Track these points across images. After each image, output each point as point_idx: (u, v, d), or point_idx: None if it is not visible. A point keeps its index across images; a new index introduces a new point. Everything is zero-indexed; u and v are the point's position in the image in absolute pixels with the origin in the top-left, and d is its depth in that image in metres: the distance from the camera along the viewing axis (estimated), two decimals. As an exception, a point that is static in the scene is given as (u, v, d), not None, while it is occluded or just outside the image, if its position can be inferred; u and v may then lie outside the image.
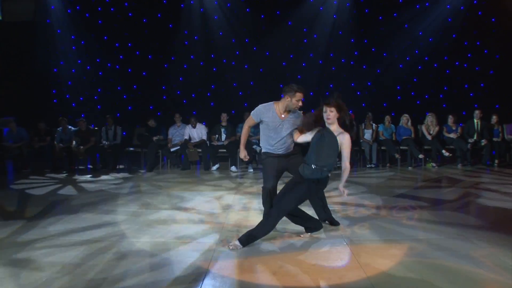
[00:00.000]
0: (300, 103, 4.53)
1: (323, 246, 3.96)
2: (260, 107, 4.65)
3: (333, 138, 4.02)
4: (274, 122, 4.54)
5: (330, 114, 4.04)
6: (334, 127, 4.08)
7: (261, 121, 4.63)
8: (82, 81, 12.76)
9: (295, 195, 4.08)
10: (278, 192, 4.38)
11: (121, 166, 10.29)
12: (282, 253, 3.79)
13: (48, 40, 12.54)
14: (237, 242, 3.92)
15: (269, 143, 4.62)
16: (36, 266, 3.51)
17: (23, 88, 12.23)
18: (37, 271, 3.39)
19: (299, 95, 4.49)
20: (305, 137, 4.37)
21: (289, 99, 4.52)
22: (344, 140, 4.01)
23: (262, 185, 4.60)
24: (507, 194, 6.31)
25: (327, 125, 4.09)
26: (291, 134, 4.57)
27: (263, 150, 4.72)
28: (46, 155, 10.04)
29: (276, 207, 4.07)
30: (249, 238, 3.97)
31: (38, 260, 3.64)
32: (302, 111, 4.72)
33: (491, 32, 12.70)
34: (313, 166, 4.01)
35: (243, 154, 4.83)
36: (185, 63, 12.87)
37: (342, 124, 4.14)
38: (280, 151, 4.60)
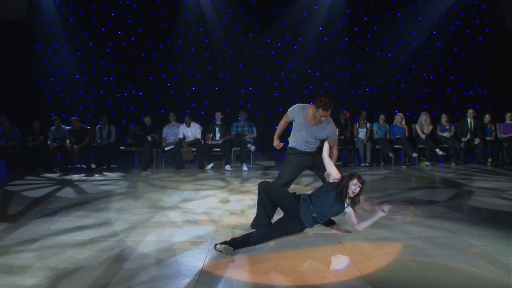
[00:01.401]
0: (324, 119, 4.52)
1: (317, 245, 3.96)
2: (296, 106, 4.77)
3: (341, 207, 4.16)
4: (304, 125, 4.67)
5: (357, 189, 4.15)
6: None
7: (293, 120, 4.76)
8: (75, 80, 12.72)
9: (284, 230, 4.15)
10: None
11: (114, 166, 10.25)
12: (276, 252, 3.79)
13: (41, 38, 12.48)
14: (225, 246, 3.79)
15: (296, 141, 4.78)
16: (27, 270, 3.49)
17: (16, 87, 12.18)
18: (30, 276, 3.37)
19: (321, 112, 4.45)
20: (329, 163, 4.50)
21: (315, 110, 4.56)
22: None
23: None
24: (500, 193, 6.35)
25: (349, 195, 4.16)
26: (317, 140, 4.71)
27: (289, 145, 4.88)
28: (39, 154, 9.99)
29: (264, 232, 4.05)
30: (234, 243, 3.91)
31: (30, 264, 3.62)
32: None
33: (484, 31, 12.78)
34: (316, 218, 4.14)
35: (276, 142, 5.03)
36: (180, 62, 12.85)
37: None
38: (307, 149, 4.77)
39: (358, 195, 4.16)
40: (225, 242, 3.78)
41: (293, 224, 4.13)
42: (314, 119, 4.61)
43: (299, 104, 4.77)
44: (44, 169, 9.70)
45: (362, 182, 4.15)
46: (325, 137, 4.66)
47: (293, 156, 4.81)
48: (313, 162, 4.83)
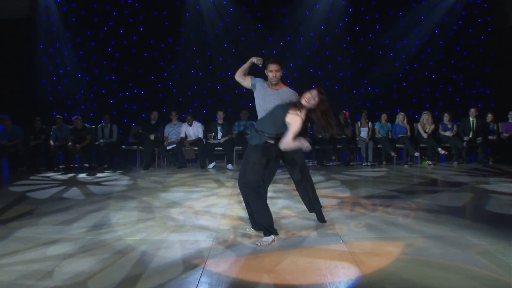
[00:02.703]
0: (275, 74, 4.39)
1: (319, 244, 3.95)
2: (259, 78, 4.64)
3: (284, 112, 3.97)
4: (265, 91, 4.50)
5: (312, 100, 3.92)
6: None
7: (254, 87, 4.59)
8: (77, 79, 12.74)
9: (250, 165, 4.07)
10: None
11: (116, 165, 10.25)
12: (278, 251, 3.78)
13: (43, 37, 12.50)
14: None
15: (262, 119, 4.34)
16: (24, 268, 3.49)
17: (18, 86, 12.19)
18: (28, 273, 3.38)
19: (271, 66, 4.40)
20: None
21: (267, 72, 4.47)
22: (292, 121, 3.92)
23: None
24: (502, 192, 6.34)
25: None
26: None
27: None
28: (41, 153, 10.01)
29: (247, 187, 4.09)
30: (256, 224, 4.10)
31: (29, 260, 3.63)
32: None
33: (486, 30, 12.75)
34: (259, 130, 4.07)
35: (255, 59, 4.56)
36: (181, 61, 12.86)
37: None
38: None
39: (325, 114, 3.93)
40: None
41: (251, 153, 4.09)
42: (272, 86, 4.47)
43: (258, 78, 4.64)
44: (46, 168, 9.71)
45: (321, 93, 3.93)
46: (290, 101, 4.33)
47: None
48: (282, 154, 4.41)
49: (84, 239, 4.16)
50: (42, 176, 8.73)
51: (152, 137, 10.00)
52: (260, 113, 4.51)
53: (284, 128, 3.97)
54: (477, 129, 10.22)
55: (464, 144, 9.94)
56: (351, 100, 12.61)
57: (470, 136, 10.17)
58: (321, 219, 4.68)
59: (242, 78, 4.68)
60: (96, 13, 12.63)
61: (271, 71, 4.42)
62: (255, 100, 4.57)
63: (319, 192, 4.95)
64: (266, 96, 4.45)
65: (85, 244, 4.00)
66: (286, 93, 4.46)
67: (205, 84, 12.99)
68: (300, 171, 4.61)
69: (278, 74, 4.41)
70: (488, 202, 5.71)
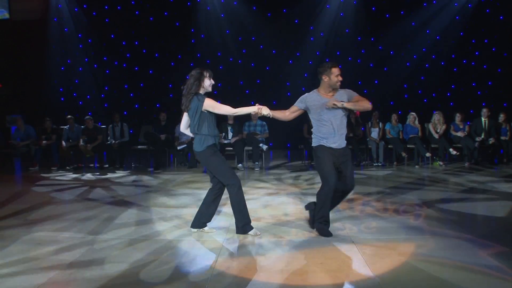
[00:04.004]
0: (340, 78, 4.29)
1: (330, 245, 3.95)
2: (305, 94, 4.43)
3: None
4: (321, 104, 4.26)
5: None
6: None
7: (308, 109, 4.36)
8: (89, 79, 12.85)
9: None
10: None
11: (127, 165, 10.31)
12: (288, 252, 3.79)
13: (55, 38, 12.63)
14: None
15: (320, 131, 4.29)
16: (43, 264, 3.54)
17: (31, 86, 12.33)
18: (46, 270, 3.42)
19: (335, 70, 4.26)
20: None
21: (327, 78, 4.29)
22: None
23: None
24: (515, 193, 6.28)
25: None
26: (342, 119, 4.30)
27: (315, 144, 4.35)
28: (53, 153, 10.10)
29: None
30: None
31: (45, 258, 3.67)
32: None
33: (499, 30, 12.61)
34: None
35: (266, 111, 4.41)
36: (192, 61, 12.89)
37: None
38: (334, 143, 4.24)
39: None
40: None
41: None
42: (329, 94, 4.33)
43: (305, 94, 4.45)
44: (57, 168, 9.81)
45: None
46: (349, 99, 4.32)
47: (321, 152, 4.26)
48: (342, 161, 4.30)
49: (93, 239, 4.20)
50: (57, 175, 8.83)
51: (163, 137, 10.04)
52: (327, 125, 4.26)
53: None
54: (489, 130, 10.11)
55: (476, 144, 9.84)
56: (361, 100, 12.53)
57: (482, 136, 10.07)
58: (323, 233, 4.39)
59: (293, 116, 4.53)
60: (107, 14, 12.72)
61: (336, 75, 4.28)
62: (315, 115, 4.33)
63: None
64: (327, 107, 4.24)
65: (93, 244, 4.04)
66: (342, 96, 4.35)
67: (216, 84, 12.90)
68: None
69: (341, 77, 4.31)
70: (500, 203, 5.66)
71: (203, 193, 6.55)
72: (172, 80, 12.88)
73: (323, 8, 12.77)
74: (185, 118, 4.45)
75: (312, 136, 4.42)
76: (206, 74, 4.43)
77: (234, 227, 4.51)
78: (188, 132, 4.52)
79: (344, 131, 4.34)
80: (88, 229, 4.57)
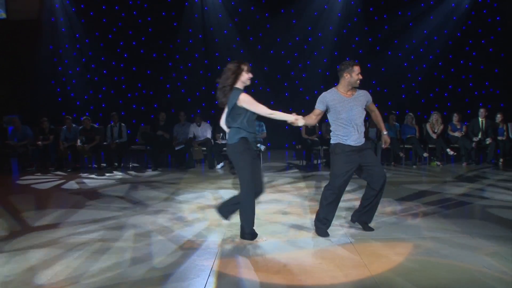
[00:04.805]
0: (361, 76, 4.31)
1: (327, 245, 3.96)
2: (323, 94, 4.37)
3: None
4: (342, 102, 4.25)
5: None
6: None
7: (327, 109, 4.30)
8: (86, 79, 12.82)
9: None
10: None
11: (125, 165, 10.29)
12: (286, 252, 3.79)
13: (52, 38, 12.59)
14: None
15: (340, 131, 4.24)
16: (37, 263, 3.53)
17: (28, 86, 12.29)
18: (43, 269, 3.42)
19: (357, 69, 4.29)
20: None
21: (348, 76, 4.29)
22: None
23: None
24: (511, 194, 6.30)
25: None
26: (363, 112, 4.33)
27: (334, 142, 4.28)
28: (50, 153, 10.07)
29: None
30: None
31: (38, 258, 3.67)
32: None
33: (496, 30, 12.65)
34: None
35: (301, 122, 4.18)
36: (190, 62, 12.89)
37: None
38: (357, 134, 4.22)
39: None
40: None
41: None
42: (349, 92, 4.33)
43: (323, 93, 4.40)
44: (55, 168, 9.78)
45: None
46: (367, 101, 4.40)
47: (340, 152, 4.21)
48: (363, 158, 4.25)
49: (89, 240, 4.20)
50: (51, 175, 8.82)
51: (164, 134, 10.02)
52: (346, 124, 4.23)
53: None
54: (486, 130, 10.15)
55: (473, 144, 9.87)
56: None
57: (479, 136, 10.10)
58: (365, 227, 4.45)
59: (319, 119, 4.43)
60: (104, 14, 12.69)
61: (357, 74, 4.30)
62: (334, 115, 4.28)
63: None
64: (347, 106, 4.24)
65: (89, 244, 4.04)
66: (363, 96, 4.40)
67: (214, 85, 12.93)
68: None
69: (361, 75, 4.34)
70: (497, 203, 5.68)
71: (200, 193, 6.60)
72: (170, 80, 12.88)
73: (321, 8, 12.77)
74: (225, 113, 4.31)
75: (331, 134, 4.34)
76: (244, 67, 4.36)
77: (232, 227, 4.51)
78: (226, 127, 4.38)
79: (363, 129, 4.32)
80: (84, 230, 4.56)
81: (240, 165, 4.07)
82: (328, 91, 4.39)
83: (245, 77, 4.35)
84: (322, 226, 4.27)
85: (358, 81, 4.32)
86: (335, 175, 4.18)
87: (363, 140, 4.28)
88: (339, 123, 4.25)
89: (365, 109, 4.40)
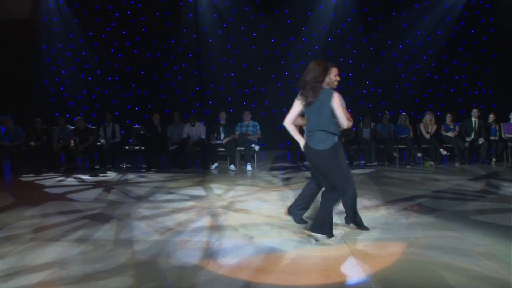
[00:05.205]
0: (338, 78, 4.44)
1: (322, 245, 3.96)
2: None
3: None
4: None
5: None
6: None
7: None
8: (80, 79, 12.76)
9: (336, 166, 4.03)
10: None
11: (119, 165, 10.26)
12: (280, 252, 3.79)
13: (45, 38, 12.52)
14: (315, 234, 3.94)
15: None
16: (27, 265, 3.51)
17: (21, 86, 12.21)
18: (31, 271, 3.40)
19: (334, 70, 4.40)
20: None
21: (327, 77, 4.31)
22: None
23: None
24: (505, 192, 6.34)
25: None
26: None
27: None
28: (43, 154, 10.01)
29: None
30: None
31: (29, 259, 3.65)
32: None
33: (488, 31, 12.74)
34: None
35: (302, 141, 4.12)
36: (184, 62, 12.87)
37: None
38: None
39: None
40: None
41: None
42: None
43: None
44: (48, 169, 9.73)
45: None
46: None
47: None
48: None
49: (81, 238, 4.18)
50: (42, 176, 8.77)
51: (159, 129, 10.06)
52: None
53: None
54: (479, 130, 10.21)
55: (466, 144, 9.93)
56: (353, 100, 12.55)
57: (472, 136, 10.16)
58: (362, 226, 4.50)
59: (297, 122, 4.39)
60: (98, 14, 12.64)
61: (335, 75, 4.44)
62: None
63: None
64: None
65: (83, 243, 4.02)
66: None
67: (208, 85, 13.00)
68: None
69: (339, 77, 4.47)
70: (490, 202, 5.71)
71: (195, 194, 6.59)
72: (164, 80, 12.85)
73: (315, 9, 12.80)
74: (295, 112, 4.07)
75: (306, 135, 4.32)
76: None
77: (226, 228, 4.51)
78: (292, 127, 4.07)
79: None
80: (77, 231, 4.54)
81: (331, 168, 3.94)
82: None
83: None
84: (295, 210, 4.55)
85: (336, 82, 4.45)
86: (313, 175, 4.45)
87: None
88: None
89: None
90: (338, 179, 3.92)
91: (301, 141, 4.06)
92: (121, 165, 10.18)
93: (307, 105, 3.96)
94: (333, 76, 4.39)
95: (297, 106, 4.04)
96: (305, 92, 3.96)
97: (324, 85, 4.31)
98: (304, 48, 12.88)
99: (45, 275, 3.28)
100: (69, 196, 6.62)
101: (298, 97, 4.03)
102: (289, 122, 4.05)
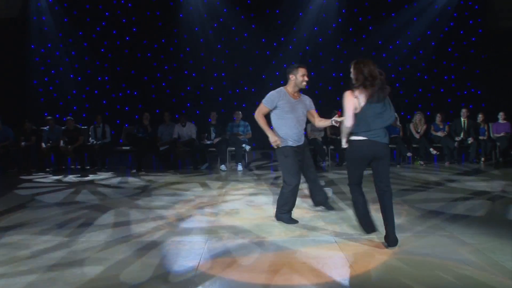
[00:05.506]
0: (306, 78, 4.62)
1: (312, 245, 3.97)
2: (272, 93, 4.68)
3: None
4: (290, 103, 4.62)
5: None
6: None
7: (275, 107, 4.63)
8: (69, 79, 12.64)
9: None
10: None
11: (108, 166, 10.20)
12: (271, 252, 3.80)
13: (34, 37, 12.40)
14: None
15: (287, 126, 4.63)
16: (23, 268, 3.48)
17: (9, 86, 12.07)
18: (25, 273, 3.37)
19: (302, 70, 4.59)
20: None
21: (293, 77, 4.62)
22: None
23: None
24: (493, 191, 6.40)
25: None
26: (304, 120, 4.73)
27: (282, 144, 4.63)
28: (32, 154, 9.91)
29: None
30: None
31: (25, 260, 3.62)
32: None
33: (477, 32, 12.87)
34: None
35: (274, 139, 4.59)
36: (174, 62, 12.82)
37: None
38: (299, 133, 4.69)
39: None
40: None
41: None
42: (295, 93, 4.71)
43: (271, 92, 4.70)
44: (37, 170, 9.64)
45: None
46: (310, 106, 4.81)
47: (288, 151, 4.60)
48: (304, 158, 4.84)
49: (72, 240, 4.15)
50: (36, 178, 8.69)
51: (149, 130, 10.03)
52: (292, 122, 4.63)
53: None
54: (468, 130, 10.31)
55: (456, 144, 10.02)
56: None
57: (462, 136, 10.26)
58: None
59: (263, 117, 4.76)
60: (88, 13, 12.54)
61: (302, 75, 4.60)
62: (279, 115, 4.65)
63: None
64: (294, 107, 4.65)
65: (73, 246, 3.99)
66: (307, 99, 4.84)
67: (198, 85, 12.96)
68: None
69: (307, 77, 4.65)
70: (478, 201, 5.76)
71: (185, 194, 6.57)
72: (155, 80, 12.79)
73: (306, 9, 12.82)
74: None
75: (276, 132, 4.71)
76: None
77: (217, 228, 4.51)
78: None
79: (303, 128, 4.79)
80: (67, 231, 4.51)
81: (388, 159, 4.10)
82: (277, 90, 4.69)
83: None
84: (283, 215, 4.73)
85: (304, 83, 4.63)
86: (292, 174, 4.54)
87: (303, 140, 4.78)
88: (283, 122, 4.62)
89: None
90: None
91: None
92: (109, 166, 10.12)
93: (376, 101, 3.94)
94: (300, 76, 4.60)
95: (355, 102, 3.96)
96: (380, 94, 3.96)
97: (292, 85, 4.64)
98: (294, 48, 12.90)
99: None
100: (41, 197, 6.58)
101: (354, 93, 3.97)
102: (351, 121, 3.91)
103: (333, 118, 4.40)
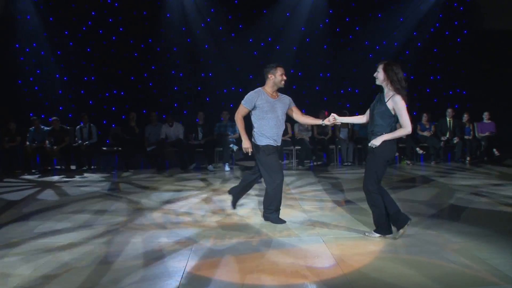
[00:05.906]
0: (285, 77, 4.70)
1: (300, 244, 3.98)
2: (251, 93, 4.75)
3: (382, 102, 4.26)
4: (269, 102, 4.66)
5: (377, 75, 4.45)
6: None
7: (254, 108, 4.67)
8: (55, 79, 12.49)
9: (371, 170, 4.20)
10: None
11: (95, 167, 10.11)
12: (259, 252, 3.79)
13: (19, 37, 12.22)
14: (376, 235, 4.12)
15: (267, 126, 4.66)
16: (10, 275, 3.43)
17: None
18: (13, 280, 3.32)
19: (280, 69, 4.69)
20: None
21: (272, 77, 4.69)
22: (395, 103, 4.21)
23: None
24: (478, 190, 6.48)
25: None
26: (283, 120, 4.76)
27: (261, 144, 4.69)
28: (17, 155, 9.79)
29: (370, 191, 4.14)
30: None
31: (13, 268, 3.56)
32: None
33: (462, 33, 13.03)
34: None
35: (248, 144, 4.76)
36: (161, 62, 12.75)
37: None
38: (279, 133, 4.73)
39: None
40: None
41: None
42: (274, 92, 4.77)
43: (250, 92, 4.78)
44: (22, 171, 9.52)
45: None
46: (289, 105, 4.84)
47: (268, 151, 4.68)
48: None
49: (63, 243, 4.10)
50: (18, 179, 8.57)
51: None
52: (272, 122, 4.67)
53: None
54: (453, 129, 10.44)
55: (442, 143, 10.13)
56: (331, 100, 12.69)
57: (447, 136, 10.37)
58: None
59: (242, 120, 4.84)
60: (74, 13, 12.40)
61: (281, 74, 4.70)
62: (258, 115, 4.70)
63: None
64: (273, 106, 4.69)
65: (65, 248, 3.95)
66: (285, 98, 4.86)
67: (186, 85, 12.91)
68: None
69: (285, 76, 4.74)
70: (464, 200, 5.83)
71: (172, 194, 6.53)
72: (141, 80, 12.71)
73: (293, 9, 12.85)
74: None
75: (255, 132, 4.75)
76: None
77: (205, 229, 4.49)
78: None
79: (283, 128, 4.84)
80: (54, 232, 4.46)
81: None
82: (255, 90, 4.78)
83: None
84: (270, 214, 4.75)
85: (283, 82, 4.72)
86: (275, 171, 4.63)
87: (280, 141, 4.84)
88: (264, 122, 4.66)
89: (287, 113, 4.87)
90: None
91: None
92: (95, 166, 10.03)
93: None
94: (279, 75, 4.69)
95: None
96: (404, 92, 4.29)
97: (271, 85, 4.73)
98: (282, 48, 12.93)
99: None
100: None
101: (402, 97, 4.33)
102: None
103: (328, 118, 4.53)
